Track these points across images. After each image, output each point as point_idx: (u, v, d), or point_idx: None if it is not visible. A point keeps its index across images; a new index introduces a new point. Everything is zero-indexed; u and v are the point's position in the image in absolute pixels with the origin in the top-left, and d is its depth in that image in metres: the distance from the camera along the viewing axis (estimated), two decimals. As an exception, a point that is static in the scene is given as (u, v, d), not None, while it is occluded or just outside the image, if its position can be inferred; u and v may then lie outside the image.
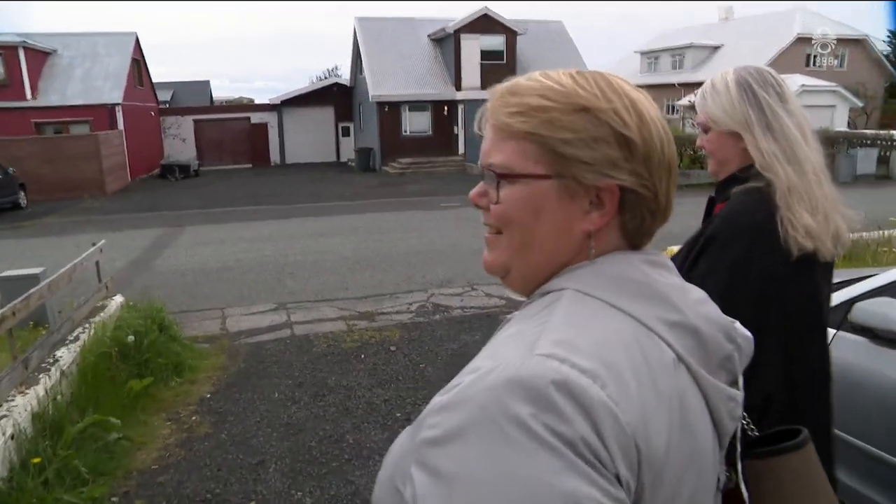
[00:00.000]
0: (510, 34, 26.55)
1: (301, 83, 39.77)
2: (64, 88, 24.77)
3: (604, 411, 0.59)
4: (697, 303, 0.75)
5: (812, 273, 1.42)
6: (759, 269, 1.38)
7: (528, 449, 0.56)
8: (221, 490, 3.53)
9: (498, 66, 26.39)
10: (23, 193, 19.17)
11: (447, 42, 27.11)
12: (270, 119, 31.83)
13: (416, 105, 26.72)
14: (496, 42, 26.68)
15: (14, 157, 20.01)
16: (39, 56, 24.94)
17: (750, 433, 0.94)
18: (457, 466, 0.57)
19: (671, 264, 0.78)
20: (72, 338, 4.60)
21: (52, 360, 4.19)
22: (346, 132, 32.39)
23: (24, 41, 23.96)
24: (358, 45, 28.70)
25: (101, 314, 5.20)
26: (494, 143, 0.75)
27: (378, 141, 26.76)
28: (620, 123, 0.71)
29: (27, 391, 3.71)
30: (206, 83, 47.24)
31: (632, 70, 36.49)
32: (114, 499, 3.40)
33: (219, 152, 31.42)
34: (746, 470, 0.85)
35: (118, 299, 5.77)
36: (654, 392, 0.64)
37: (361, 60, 27.98)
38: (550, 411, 0.57)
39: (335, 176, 25.81)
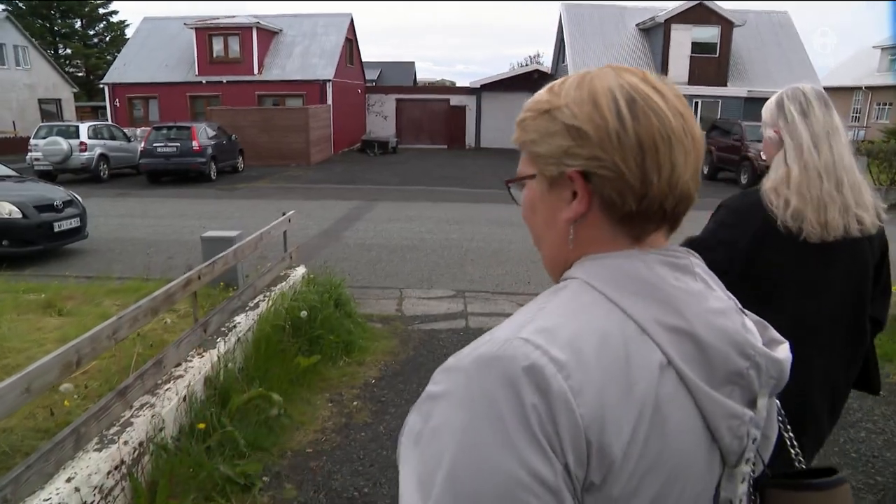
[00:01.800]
0: (726, 25, 24.41)
1: (503, 69, 39.86)
2: (284, 64, 26.92)
3: (561, 401, 0.63)
4: (712, 312, 0.74)
5: (796, 248, 1.74)
6: (723, 234, 1.82)
7: (487, 422, 0.63)
8: (370, 490, 3.34)
9: (709, 60, 24.50)
10: (241, 158, 21.13)
11: (656, 32, 25.60)
12: (469, 102, 32.24)
13: (616, 97, 25.56)
14: (710, 34, 24.69)
15: (237, 125, 22.15)
16: (268, 35, 27.32)
17: (798, 464, 0.92)
18: (435, 422, 0.66)
19: (700, 269, 0.78)
20: (252, 304, 4.72)
21: (231, 326, 4.28)
22: (542, 120, 31.91)
23: (258, 22, 26.39)
24: (562, 32, 28.06)
25: (283, 284, 5.31)
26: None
27: (575, 130, 26.01)
28: (569, 116, 0.75)
29: (204, 354, 3.79)
30: (412, 64, 49.07)
31: (868, 68, 32.10)
32: (265, 478, 3.34)
33: (417, 132, 32.47)
34: (770, 498, 0.84)
35: (301, 270, 5.90)
36: (625, 391, 0.65)
37: (564, 48, 27.32)
38: (514, 392, 0.63)
39: (527, 163, 25.46)
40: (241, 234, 5.82)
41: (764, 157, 1.97)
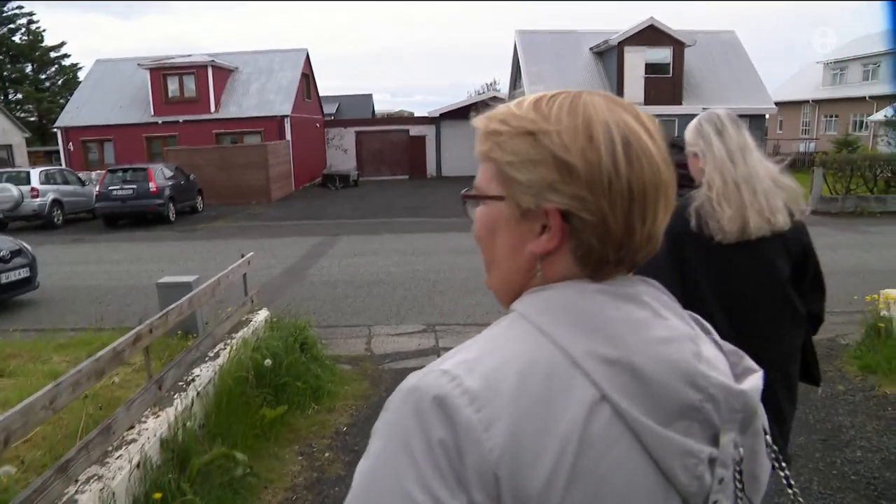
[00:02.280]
0: (677, 46, 24.95)
1: (460, 97, 40.20)
2: (241, 101, 26.64)
3: (468, 433, 0.62)
4: (656, 341, 0.68)
5: (716, 249, 1.99)
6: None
7: (398, 452, 0.63)
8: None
9: (663, 80, 24.96)
10: (200, 198, 20.70)
11: (610, 55, 26.05)
12: (428, 132, 32.28)
13: (574, 120, 25.82)
14: (662, 55, 25.20)
15: (195, 164, 21.74)
16: (224, 73, 27.05)
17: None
18: (372, 441, 0.67)
19: (650, 297, 0.72)
20: (212, 354, 4.43)
21: (189, 379, 4.00)
22: (502, 146, 32.12)
23: (213, 60, 26.14)
24: (518, 58, 28.38)
25: (245, 329, 5.03)
26: (480, 163, 0.78)
27: (533, 156, 26.14)
28: (560, 146, 0.69)
29: (160, 413, 3.49)
30: (369, 97, 49.19)
31: (812, 83, 33.13)
32: (231, 550, 3.06)
33: (378, 163, 32.33)
34: None
35: (263, 313, 5.62)
36: (544, 426, 0.63)
37: (521, 74, 27.61)
38: (423, 423, 0.63)
39: (488, 190, 25.44)
40: (199, 279, 5.54)
41: (692, 173, 2.18)
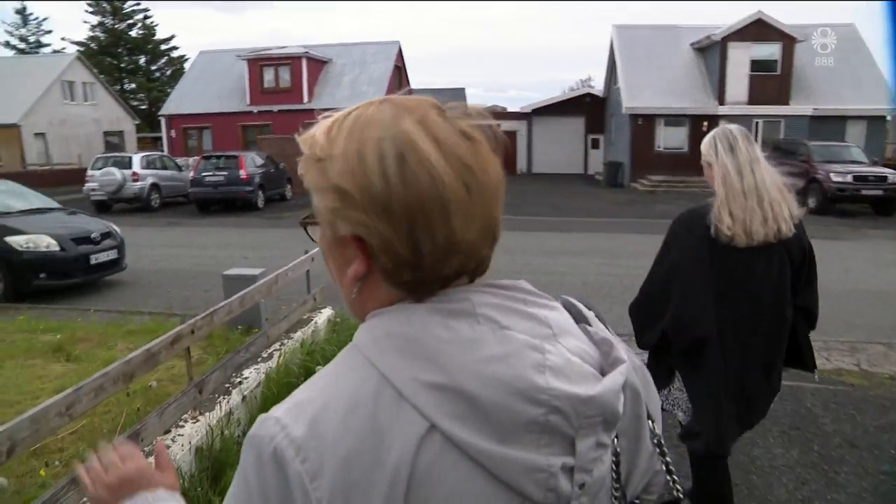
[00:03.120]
0: (787, 41, 23.16)
1: (554, 93, 39.40)
2: (334, 92, 27.05)
3: (298, 486, 0.62)
4: (485, 360, 0.64)
5: (727, 251, 2.29)
6: (679, 245, 2.46)
7: (240, 496, 0.66)
8: None
9: (769, 78, 23.28)
10: (289, 187, 21.12)
11: (712, 51, 24.61)
12: (520, 127, 31.72)
13: (672, 119, 24.53)
14: (770, 51, 23.50)
15: (286, 153, 22.18)
16: (318, 64, 27.56)
17: (675, 493, 0.83)
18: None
19: (489, 308, 0.68)
20: (265, 355, 4.24)
21: (236, 381, 3.81)
22: (594, 144, 31.20)
23: (308, 52, 26.68)
24: (614, 54, 27.37)
25: (303, 329, 4.83)
26: None
27: (629, 155, 25.07)
28: (336, 173, 0.68)
29: (199, 418, 3.31)
30: (462, 90, 49.00)
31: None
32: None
33: None
34: None
35: (326, 313, 5.41)
36: (373, 464, 0.62)
37: (616, 70, 26.60)
38: (260, 476, 0.64)
39: (580, 189, 24.65)
40: (265, 272, 5.39)
41: (707, 180, 2.46)
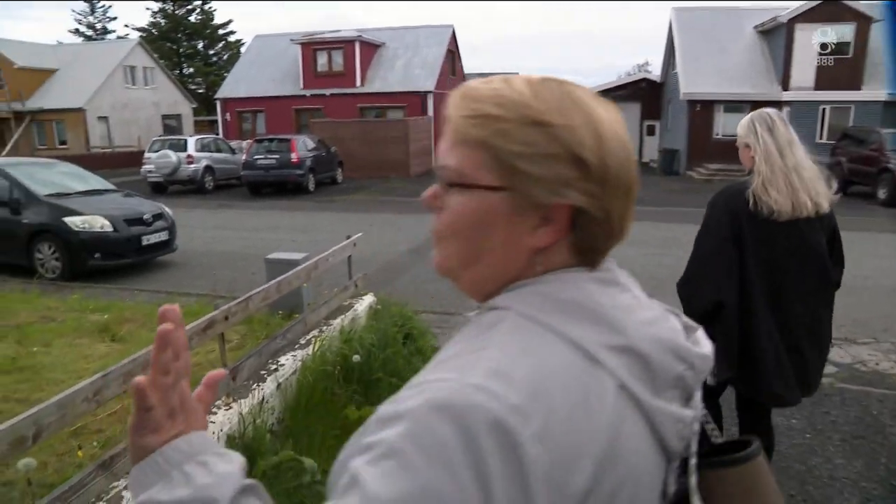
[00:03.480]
0: (862, 21, 21.79)
1: (610, 78, 38.54)
2: (386, 76, 27.04)
3: (525, 454, 0.58)
4: (646, 323, 0.72)
5: (767, 224, 2.44)
6: (716, 220, 2.61)
7: (445, 478, 0.56)
8: None
9: (842, 61, 22.04)
10: (340, 170, 21.23)
11: (777, 34, 23.48)
12: (572, 113, 31.08)
13: (732, 105, 23.49)
14: (842, 32, 22.22)
15: (339, 137, 22.33)
16: (371, 48, 27.55)
17: (713, 439, 0.85)
18: (377, 488, 0.57)
19: (624, 280, 0.77)
20: (303, 342, 4.17)
21: (273, 368, 3.75)
22: (650, 131, 30.37)
23: (361, 36, 26.70)
24: (672, 37, 26.47)
25: (343, 316, 4.75)
26: (452, 145, 0.73)
27: (685, 142, 24.22)
28: (576, 142, 0.69)
29: (232, 405, 3.26)
30: (516, 75, 48.54)
31: None
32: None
33: None
34: (701, 480, 0.78)
35: (368, 300, 5.31)
36: (587, 428, 0.63)
37: (675, 54, 25.73)
38: (475, 447, 0.57)
39: (634, 176, 24.08)
40: (308, 256, 5.34)
41: (742, 161, 2.60)
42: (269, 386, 3.56)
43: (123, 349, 4.62)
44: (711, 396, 2.80)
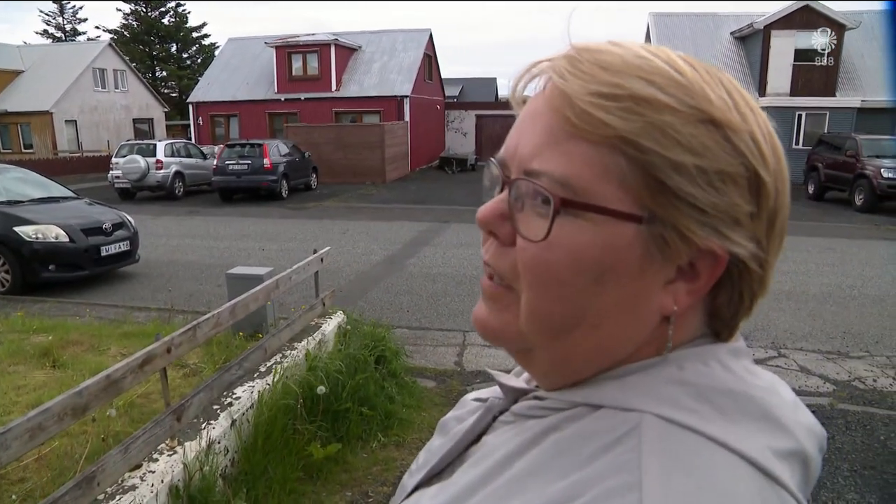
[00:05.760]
0: (837, 29, 21.97)
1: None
2: (362, 80, 26.57)
3: None
4: (795, 408, 0.52)
5: None
6: None
7: None
8: None
9: (815, 68, 22.17)
10: (314, 176, 20.72)
11: (753, 40, 23.55)
12: (548, 119, 30.92)
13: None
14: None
15: (313, 142, 21.83)
16: (347, 52, 27.08)
17: None
18: None
19: (745, 346, 0.55)
20: (263, 370, 3.74)
21: (226, 401, 3.33)
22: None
23: (336, 39, 26.21)
24: (650, 43, 26.44)
25: (309, 338, 4.33)
26: (556, 139, 0.49)
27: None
28: (759, 157, 0.48)
29: (177, 448, 2.83)
30: (493, 80, 48.29)
31: None
32: None
33: (497, 148, 30.03)
34: None
35: (336, 319, 4.88)
36: None
37: (652, 59, 25.67)
38: None
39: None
40: (272, 272, 4.92)
41: None
42: (221, 423, 3.13)
43: (64, 377, 4.16)
44: None
